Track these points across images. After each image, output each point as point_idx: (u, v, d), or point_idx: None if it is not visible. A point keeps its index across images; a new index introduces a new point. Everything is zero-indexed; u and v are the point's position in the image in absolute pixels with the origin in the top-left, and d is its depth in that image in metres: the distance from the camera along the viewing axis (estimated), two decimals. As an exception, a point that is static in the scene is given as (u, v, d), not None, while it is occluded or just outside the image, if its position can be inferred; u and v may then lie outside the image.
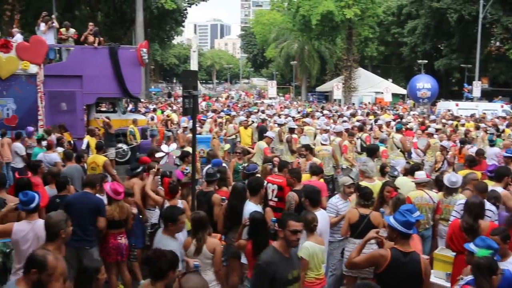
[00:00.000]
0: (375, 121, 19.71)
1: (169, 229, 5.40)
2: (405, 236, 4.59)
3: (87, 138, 13.35)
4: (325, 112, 26.29)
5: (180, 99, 42.08)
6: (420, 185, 8.02)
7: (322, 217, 6.49)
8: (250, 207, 6.57)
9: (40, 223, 5.53)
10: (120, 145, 16.99)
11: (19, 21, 28.34)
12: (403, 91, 47.54)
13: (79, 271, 4.02)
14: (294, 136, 14.81)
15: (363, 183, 8.00)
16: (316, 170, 8.55)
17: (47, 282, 3.71)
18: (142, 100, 29.31)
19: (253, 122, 18.54)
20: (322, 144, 12.59)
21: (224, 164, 9.48)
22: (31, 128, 14.27)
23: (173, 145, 10.40)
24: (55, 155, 10.69)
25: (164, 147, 10.27)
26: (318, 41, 50.67)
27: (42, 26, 17.25)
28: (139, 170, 8.14)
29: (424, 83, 36.98)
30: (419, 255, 4.71)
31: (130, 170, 8.15)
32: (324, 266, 6.18)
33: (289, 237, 4.57)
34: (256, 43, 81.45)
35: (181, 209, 5.59)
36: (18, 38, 16.99)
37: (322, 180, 8.77)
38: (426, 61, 46.54)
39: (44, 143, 11.56)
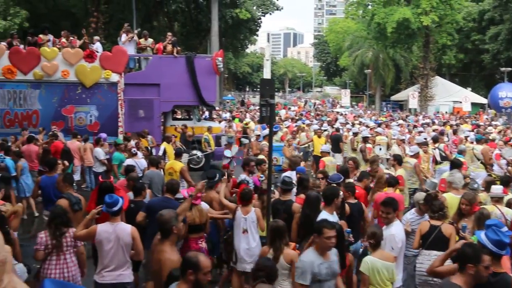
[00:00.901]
0: (454, 131, 19.00)
1: (314, 242, 5.13)
2: (495, 256, 4.31)
3: (163, 145, 13.70)
4: (399, 121, 25.66)
5: (252, 107, 42.52)
6: (493, 199, 7.60)
7: (399, 228, 6.34)
8: (324, 216, 6.48)
9: (121, 226, 5.76)
10: (194, 152, 17.34)
11: (103, 32, 29.77)
12: (483, 100, 45.50)
13: (169, 278, 4.15)
14: (368, 145, 14.55)
15: (450, 194, 7.71)
16: (392, 182, 8.31)
17: (203, 280, 3.91)
18: (216, 108, 29.78)
19: (325, 130, 18.37)
20: (409, 156, 12.06)
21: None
22: (104, 135, 14.86)
23: (235, 148, 10.13)
24: (144, 161, 11.10)
25: (227, 152, 10.07)
26: (393, 49, 49.56)
27: (124, 37, 17.93)
28: (216, 178, 8.09)
29: (507, 92, 35.21)
30: (510, 277, 4.41)
31: (208, 179, 8.08)
32: (398, 280, 6.01)
33: (483, 272, 4.17)
34: (330, 51, 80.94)
35: (332, 223, 5.27)
36: (98, 46, 17.80)
37: (398, 191, 8.53)
38: (510, 69, 44.32)
39: (134, 150, 11.99)
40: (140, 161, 11.20)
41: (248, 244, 6.85)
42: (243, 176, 9.28)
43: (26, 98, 16.49)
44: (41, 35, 17.05)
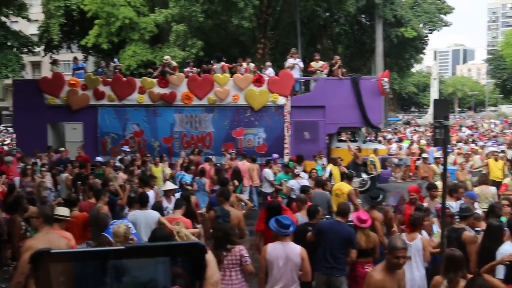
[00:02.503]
0: None
1: None
2: None
3: (329, 167, 13.72)
4: None
5: (418, 128, 40.81)
6: None
7: None
8: (507, 247, 5.87)
9: (291, 245, 5.84)
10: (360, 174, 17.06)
11: (269, 57, 31.06)
12: None
13: None
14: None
15: None
16: None
17: None
18: (382, 129, 29.12)
19: (502, 152, 16.87)
20: None
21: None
22: (275, 155, 15.38)
23: None
24: (306, 182, 11.26)
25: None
26: None
27: (290, 61, 18.43)
28: (379, 199, 7.98)
29: None
30: None
31: (370, 198, 8.01)
32: None
33: None
34: (506, 66, 74.77)
35: None
36: (270, 71, 18.52)
37: None
38: None
39: (297, 171, 12.25)
40: (302, 182, 11.34)
41: (412, 272, 6.47)
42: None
43: (201, 122, 17.76)
44: (218, 63, 18.34)
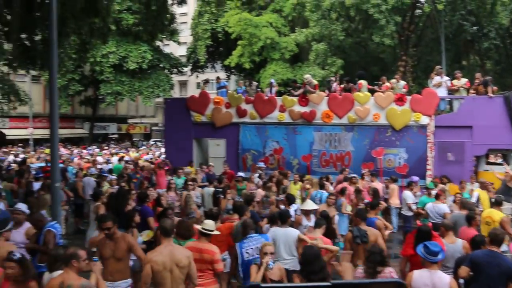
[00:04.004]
0: None
1: None
2: None
3: (477, 191, 12.83)
4: None
5: None
6: None
7: None
8: None
9: (439, 274, 5.56)
10: (513, 200, 15.74)
11: (411, 74, 30.14)
12: None
13: None
14: None
15: None
16: None
17: None
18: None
19: None
20: None
21: None
22: (416, 178, 14.72)
23: None
24: (444, 206, 10.69)
25: None
26: None
27: (437, 79, 17.66)
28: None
29: None
30: None
31: None
32: None
33: None
34: None
35: None
36: (400, 84, 17.94)
37: None
38: None
39: (433, 193, 11.82)
40: (438, 205, 10.75)
41: None
42: None
43: (340, 140, 17.61)
44: (361, 81, 18.11)
